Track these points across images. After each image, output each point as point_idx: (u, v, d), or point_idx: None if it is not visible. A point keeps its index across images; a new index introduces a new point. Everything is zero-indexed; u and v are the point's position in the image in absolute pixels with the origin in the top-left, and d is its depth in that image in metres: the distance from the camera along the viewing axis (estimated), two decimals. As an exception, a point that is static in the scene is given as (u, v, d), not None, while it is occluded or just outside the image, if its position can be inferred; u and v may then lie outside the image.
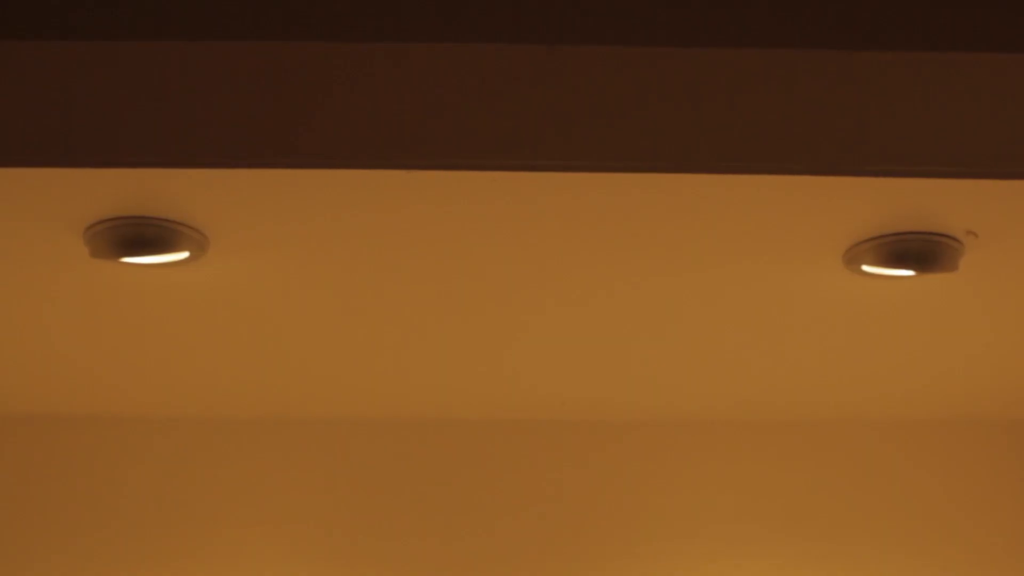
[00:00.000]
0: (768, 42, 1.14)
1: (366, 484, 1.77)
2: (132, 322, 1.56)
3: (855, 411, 1.80)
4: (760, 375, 1.70)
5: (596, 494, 1.78)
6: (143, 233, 1.34)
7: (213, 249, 1.38)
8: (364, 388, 1.74)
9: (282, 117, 1.17)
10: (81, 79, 1.14)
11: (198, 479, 1.76)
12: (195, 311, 1.53)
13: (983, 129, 1.18)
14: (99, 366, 1.67)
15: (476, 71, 1.14)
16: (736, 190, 1.28)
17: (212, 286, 1.47)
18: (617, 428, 1.81)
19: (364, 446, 1.79)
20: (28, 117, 1.16)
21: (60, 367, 1.68)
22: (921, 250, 1.36)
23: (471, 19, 1.13)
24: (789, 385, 1.73)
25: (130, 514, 1.75)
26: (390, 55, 1.15)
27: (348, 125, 1.17)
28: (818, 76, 1.16)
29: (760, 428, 1.82)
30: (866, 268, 1.40)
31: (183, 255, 1.37)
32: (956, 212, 1.32)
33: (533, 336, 1.61)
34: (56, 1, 1.12)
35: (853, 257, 1.39)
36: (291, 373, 1.69)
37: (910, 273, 1.40)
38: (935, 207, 1.31)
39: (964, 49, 1.17)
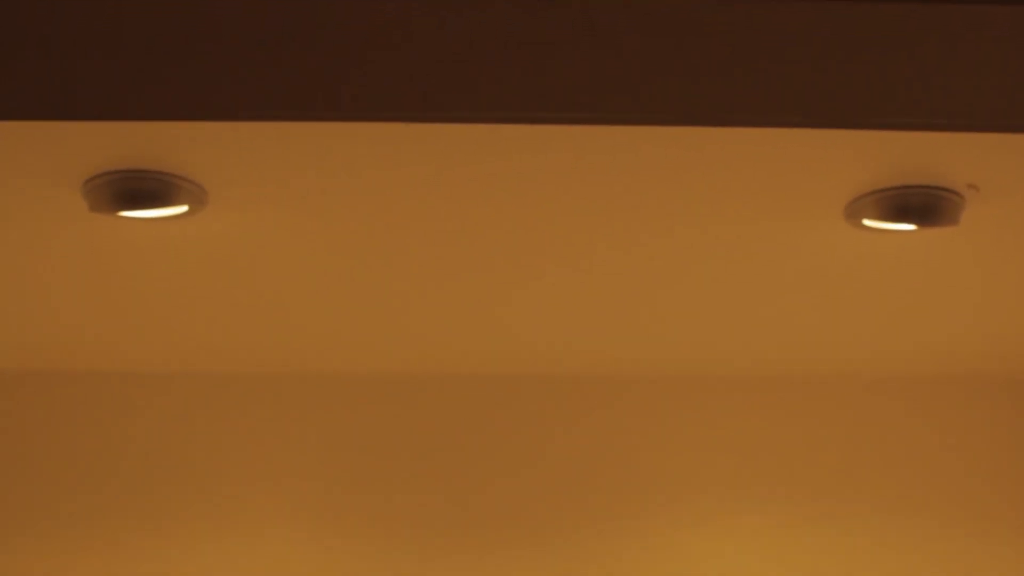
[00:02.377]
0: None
1: (365, 439, 1.77)
2: (131, 277, 1.56)
3: (855, 367, 1.80)
4: (760, 331, 1.70)
5: (594, 450, 1.78)
6: (142, 187, 1.33)
7: (212, 203, 1.38)
8: (363, 344, 1.74)
9: (283, 71, 1.16)
10: (81, 30, 1.14)
11: (196, 435, 1.77)
12: (193, 266, 1.53)
13: (985, 82, 1.18)
14: (97, 321, 1.67)
15: (478, 24, 1.14)
16: (736, 144, 1.27)
17: (211, 241, 1.46)
18: (615, 384, 1.81)
19: (363, 401, 1.79)
20: (26, 70, 1.16)
21: (58, 323, 1.67)
22: (922, 204, 1.36)
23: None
24: (789, 341, 1.73)
25: (129, 469, 1.75)
26: (391, 7, 1.15)
27: (349, 79, 1.17)
28: (819, 28, 1.16)
29: (759, 384, 1.82)
30: (867, 222, 1.39)
31: (182, 209, 1.37)
32: (957, 166, 1.31)
33: (533, 292, 1.60)
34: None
35: (854, 211, 1.38)
36: (289, 329, 1.69)
37: (911, 227, 1.40)
38: (936, 161, 1.31)
39: (967, 1, 1.16)
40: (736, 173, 1.34)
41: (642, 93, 1.16)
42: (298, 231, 1.46)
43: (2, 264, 1.53)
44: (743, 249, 1.50)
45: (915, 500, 1.78)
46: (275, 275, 1.56)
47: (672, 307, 1.64)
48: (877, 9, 1.15)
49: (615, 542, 1.75)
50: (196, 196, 1.35)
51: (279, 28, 1.16)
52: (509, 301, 1.63)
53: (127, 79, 1.17)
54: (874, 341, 1.74)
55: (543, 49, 1.16)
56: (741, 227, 1.45)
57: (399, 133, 1.25)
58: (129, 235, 1.45)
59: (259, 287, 1.59)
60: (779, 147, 1.28)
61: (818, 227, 1.43)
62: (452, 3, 1.16)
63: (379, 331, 1.70)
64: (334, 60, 1.16)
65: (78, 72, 1.16)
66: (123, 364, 1.77)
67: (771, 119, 1.18)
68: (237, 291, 1.60)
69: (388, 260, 1.53)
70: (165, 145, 1.29)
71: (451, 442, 1.77)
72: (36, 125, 1.23)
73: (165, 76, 1.17)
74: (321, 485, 1.75)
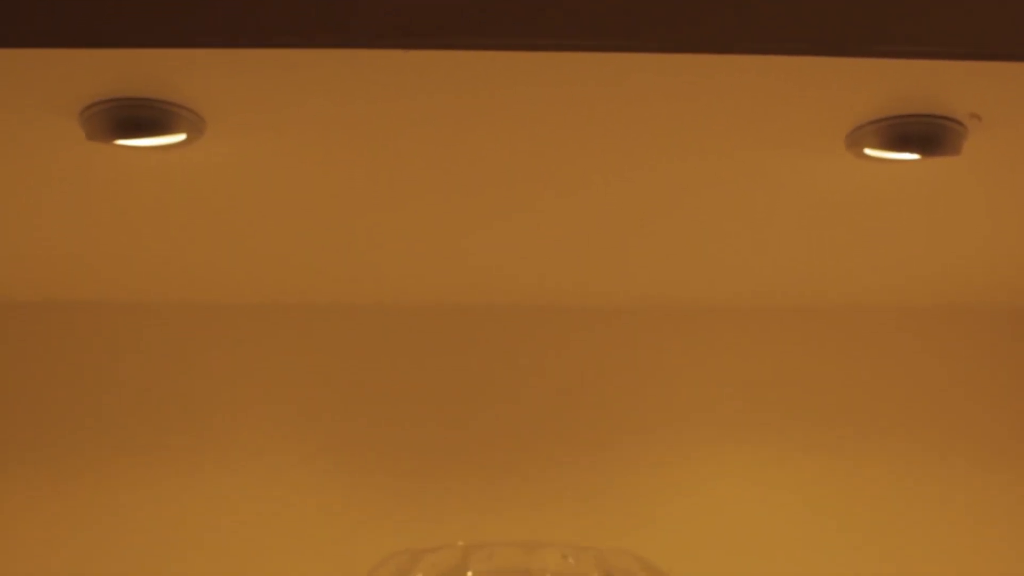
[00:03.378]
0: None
1: (358, 369, 1.78)
2: (127, 207, 1.55)
3: (855, 298, 1.80)
4: (760, 262, 1.70)
5: (588, 381, 1.79)
6: (139, 115, 1.32)
7: (210, 132, 1.37)
8: (358, 274, 1.74)
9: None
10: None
11: (191, 365, 1.77)
12: (190, 195, 1.53)
13: (988, 9, 1.17)
14: (94, 251, 1.67)
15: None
16: (735, 73, 1.27)
17: (208, 170, 1.46)
18: (610, 315, 1.81)
19: (357, 332, 1.79)
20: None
21: (54, 253, 1.67)
22: (924, 133, 1.35)
23: None
24: (788, 272, 1.73)
25: (123, 399, 1.75)
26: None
27: (348, 5, 1.16)
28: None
29: (761, 315, 1.82)
30: (868, 152, 1.39)
31: (179, 138, 1.36)
32: (960, 95, 1.31)
33: (529, 222, 1.60)
34: None
35: (855, 140, 1.37)
36: (285, 259, 1.69)
37: (913, 157, 1.39)
38: (938, 90, 1.30)
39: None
40: (735, 102, 1.33)
41: (640, 20, 1.15)
42: (296, 161, 1.46)
43: (-2, 193, 1.53)
44: (742, 179, 1.49)
45: (915, 430, 1.79)
46: (272, 205, 1.56)
47: (671, 238, 1.64)
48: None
49: (608, 473, 1.75)
50: (194, 124, 1.35)
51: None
52: (506, 232, 1.63)
53: (126, 5, 1.17)
54: (874, 272, 1.73)
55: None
56: (741, 157, 1.44)
57: (398, 59, 1.24)
58: (126, 164, 1.44)
59: (256, 217, 1.58)
60: (779, 76, 1.27)
61: (819, 157, 1.42)
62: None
63: (374, 261, 1.70)
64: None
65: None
66: (119, 294, 1.77)
67: (771, 47, 1.18)
68: (233, 221, 1.59)
69: (385, 190, 1.52)
70: (163, 73, 1.28)
71: (444, 371, 1.78)
72: (33, 53, 1.22)
73: (164, 2, 1.17)
74: (313, 413, 1.76)
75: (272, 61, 1.25)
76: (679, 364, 1.80)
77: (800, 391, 1.79)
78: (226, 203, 1.55)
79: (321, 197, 1.54)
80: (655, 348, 1.80)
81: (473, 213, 1.58)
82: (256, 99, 1.33)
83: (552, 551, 1.32)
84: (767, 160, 1.44)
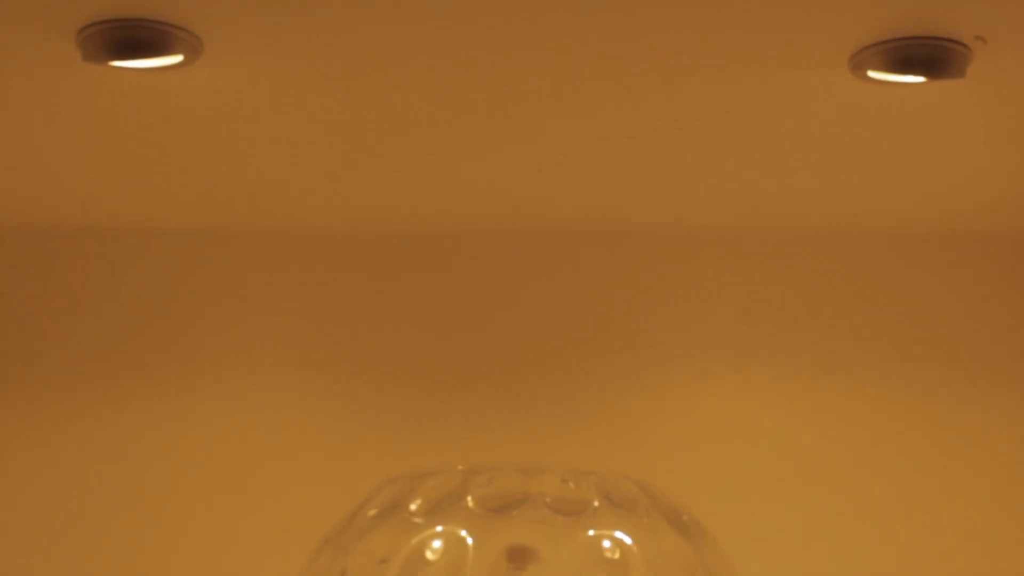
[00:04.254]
0: None
1: (356, 294, 1.77)
2: (124, 131, 1.54)
3: (859, 223, 1.80)
4: (763, 185, 1.69)
5: (595, 305, 1.78)
6: (136, 36, 1.31)
7: (207, 54, 1.36)
8: (356, 199, 1.73)
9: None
10: None
11: (189, 289, 1.77)
12: (187, 119, 1.52)
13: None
14: (90, 176, 1.66)
15: None
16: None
17: (205, 93, 1.45)
18: (613, 238, 1.80)
19: (355, 257, 1.79)
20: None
21: (50, 178, 1.67)
22: (928, 55, 1.34)
23: None
24: (792, 195, 1.72)
25: (123, 324, 1.75)
26: None
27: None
28: None
29: (762, 239, 1.81)
30: (872, 74, 1.38)
31: (176, 59, 1.35)
32: (964, 16, 1.29)
33: (527, 147, 1.59)
34: None
35: (859, 63, 1.36)
36: (283, 183, 1.68)
37: (917, 79, 1.38)
38: (943, 11, 1.28)
39: None
40: (740, 24, 1.31)
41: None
42: (295, 84, 1.45)
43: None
44: (745, 103, 1.48)
45: (918, 354, 1.79)
46: (270, 129, 1.55)
47: (671, 161, 1.63)
48: None
49: (608, 397, 1.75)
50: (191, 46, 1.34)
51: None
52: (500, 156, 1.62)
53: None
54: (879, 197, 1.73)
55: None
56: (744, 81, 1.43)
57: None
58: (123, 87, 1.43)
59: (254, 141, 1.58)
60: (783, -2, 1.26)
61: (823, 79, 1.41)
62: None
63: (376, 186, 1.70)
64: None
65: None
66: (115, 219, 1.77)
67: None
68: (231, 145, 1.59)
69: (387, 114, 1.51)
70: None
71: (442, 296, 1.77)
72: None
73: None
74: (310, 338, 1.76)
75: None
76: (678, 288, 1.80)
77: (799, 316, 1.79)
78: (224, 127, 1.54)
79: (321, 121, 1.53)
80: (654, 272, 1.80)
81: (470, 137, 1.57)
82: (254, 20, 1.31)
83: (552, 475, 1.32)
84: (770, 83, 1.43)
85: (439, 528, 1.28)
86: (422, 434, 1.72)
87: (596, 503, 1.30)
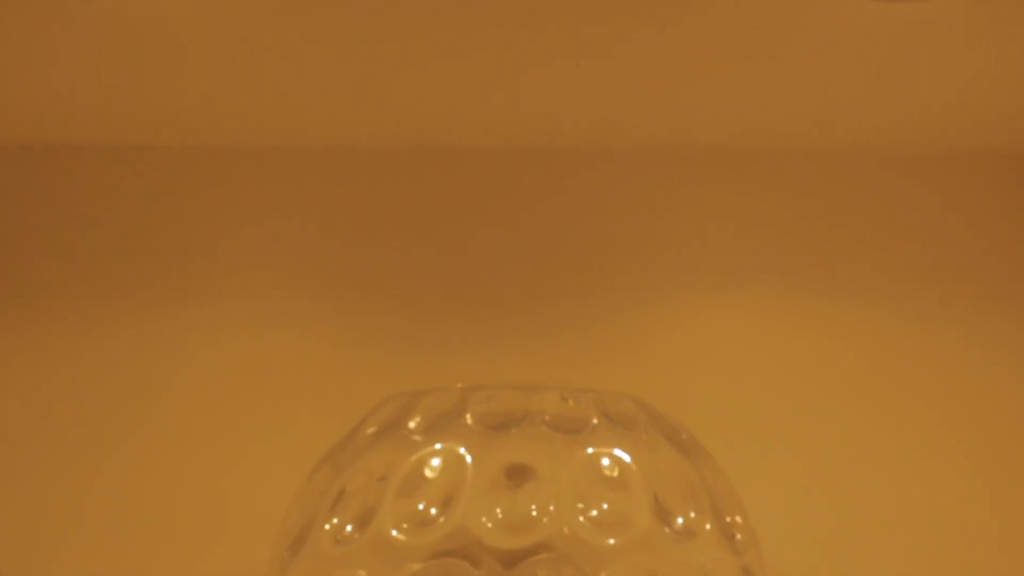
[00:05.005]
0: None
1: (357, 211, 1.76)
2: (118, 44, 1.53)
3: (860, 141, 1.79)
4: (762, 102, 1.68)
5: (595, 224, 1.78)
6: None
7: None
8: (360, 114, 1.72)
9: None
10: None
11: (188, 207, 1.76)
12: (183, 31, 1.50)
13: None
14: (85, 91, 1.65)
15: None
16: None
17: (201, 2, 1.43)
18: (615, 156, 1.79)
19: (355, 173, 1.78)
20: None
21: (48, 93, 1.65)
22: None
23: None
24: (792, 113, 1.71)
25: (122, 242, 1.74)
26: None
27: None
28: None
29: (763, 158, 1.80)
30: (874, -10, 1.36)
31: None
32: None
33: (534, 60, 1.58)
34: None
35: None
36: (283, 98, 1.67)
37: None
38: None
39: None
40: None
41: None
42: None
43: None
44: (745, 15, 1.47)
45: (919, 272, 1.78)
46: (269, 41, 1.53)
47: (673, 77, 1.62)
48: None
49: (609, 316, 1.75)
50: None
51: None
52: (509, 70, 1.61)
53: None
54: (880, 114, 1.72)
55: None
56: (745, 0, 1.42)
57: None
58: None
59: (260, 50, 1.56)
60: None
61: (825, -5, 1.40)
62: None
63: (377, 100, 1.68)
64: None
65: None
66: (114, 136, 1.76)
67: None
68: (228, 58, 1.57)
69: (395, 24, 1.50)
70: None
71: (444, 213, 1.76)
72: None
73: None
74: (310, 255, 1.75)
75: None
76: (678, 207, 1.79)
77: (800, 235, 1.79)
78: (220, 40, 1.53)
79: (320, 32, 1.51)
80: (654, 190, 1.79)
81: (467, 50, 1.56)
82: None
83: (551, 393, 1.32)
84: (773, 1, 1.43)
85: (438, 446, 1.28)
86: (421, 353, 1.71)
87: (595, 421, 1.30)
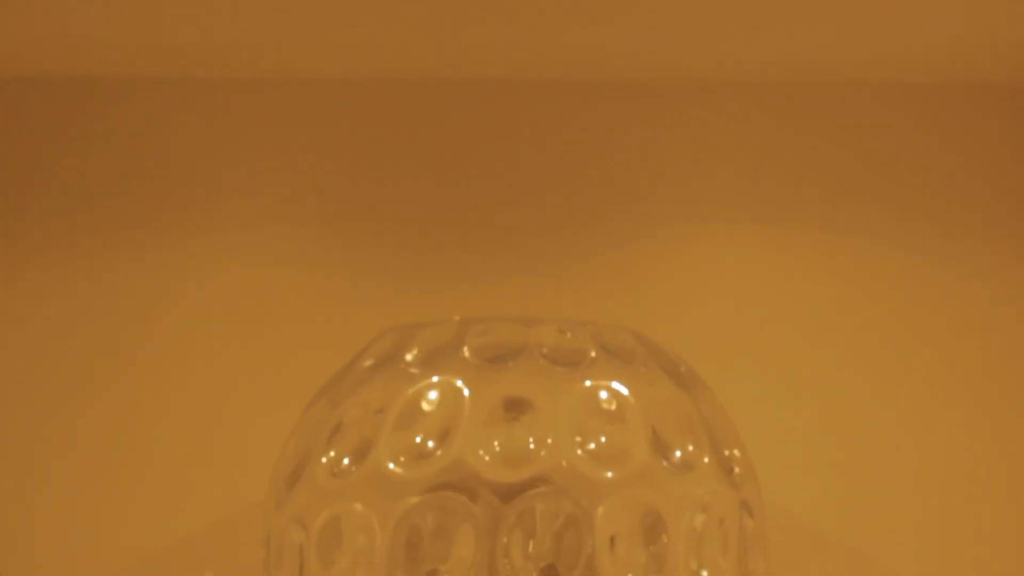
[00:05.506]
0: None
1: (354, 142, 1.75)
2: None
3: (861, 73, 1.78)
4: (762, 34, 1.67)
5: (593, 156, 1.77)
6: None
7: None
8: (360, 46, 1.70)
9: None
10: None
11: (183, 139, 1.75)
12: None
13: None
14: (83, 23, 1.63)
15: None
16: None
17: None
18: (613, 89, 1.78)
19: (353, 105, 1.77)
20: None
21: (41, 25, 1.64)
22: None
23: None
24: (793, 45, 1.70)
25: (117, 174, 1.73)
26: None
27: None
28: None
29: (763, 91, 1.79)
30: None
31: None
32: None
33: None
34: None
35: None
36: (284, 30, 1.66)
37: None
38: None
39: None
40: None
41: None
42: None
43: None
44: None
45: (917, 206, 1.77)
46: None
47: (675, 6, 1.61)
48: None
49: (606, 249, 1.74)
50: None
51: None
52: (524, 3, 1.59)
53: None
54: (878, 47, 1.70)
55: None
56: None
57: None
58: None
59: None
60: None
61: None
62: None
63: (378, 31, 1.67)
64: None
65: None
66: (112, 69, 1.74)
67: None
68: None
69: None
70: None
71: (441, 145, 1.75)
72: None
73: None
74: (307, 187, 1.74)
75: None
76: (677, 140, 1.78)
77: (799, 169, 1.78)
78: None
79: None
80: (653, 124, 1.78)
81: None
82: None
83: (549, 326, 1.32)
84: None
85: (435, 379, 1.28)
86: (418, 287, 1.71)
87: (593, 354, 1.30)
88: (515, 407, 1.26)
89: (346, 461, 1.26)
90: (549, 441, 1.22)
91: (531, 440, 1.23)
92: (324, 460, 1.27)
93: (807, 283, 1.76)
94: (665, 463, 1.25)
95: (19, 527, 1.64)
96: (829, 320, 1.75)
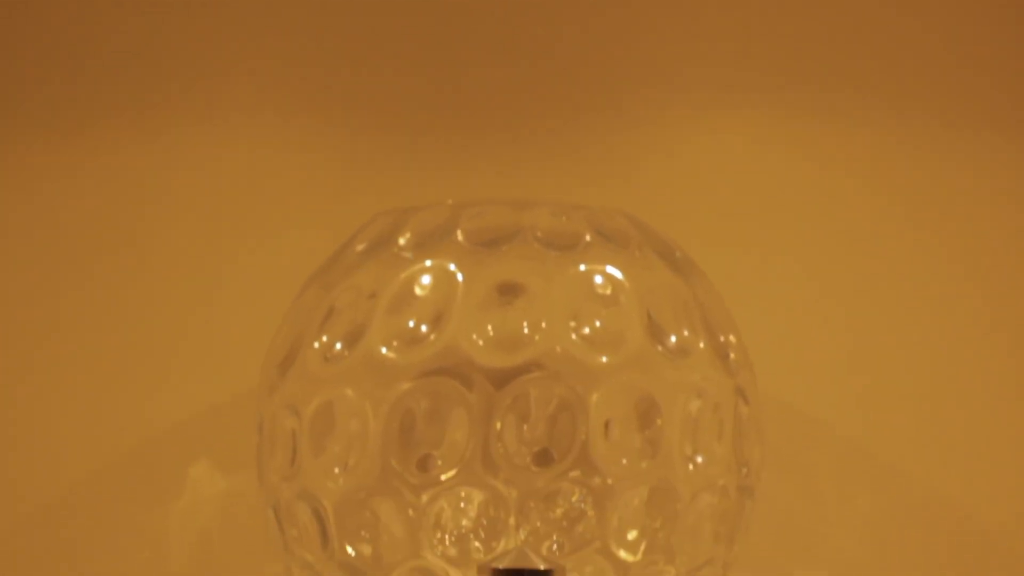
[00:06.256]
0: None
1: (346, 23, 1.73)
2: None
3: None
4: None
5: (588, 39, 1.74)
6: None
7: None
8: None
9: None
10: None
11: (175, 25, 1.72)
12: None
13: None
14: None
15: None
16: None
17: None
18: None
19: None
20: None
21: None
22: None
23: None
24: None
25: (105, 61, 1.71)
26: None
27: None
28: None
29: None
30: None
31: None
32: None
33: None
34: None
35: None
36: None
37: None
38: None
39: None
40: None
41: None
42: None
43: None
44: None
45: (918, 94, 1.75)
46: None
47: None
48: None
49: (600, 133, 1.72)
50: None
51: None
52: None
53: None
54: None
55: None
56: None
57: None
58: None
59: None
60: None
61: None
62: None
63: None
64: None
65: None
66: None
67: None
68: None
69: None
70: None
71: (434, 28, 1.73)
72: None
73: None
74: (299, 68, 1.71)
75: None
76: (677, 22, 1.75)
77: (800, 55, 1.75)
78: None
79: None
80: (653, 4, 1.75)
81: None
82: None
83: (543, 209, 1.30)
84: None
85: (428, 263, 1.27)
86: (411, 171, 1.69)
87: (588, 238, 1.29)
88: (509, 291, 1.25)
89: (338, 346, 1.25)
90: (543, 326, 1.22)
91: (525, 324, 1.22)
92: (316, 345, 1.26)
93: (807, 172, 1.74)
94: (660, 348, 1.24)
95: (2, 417, 1.64)
96: (827, 208, 1.73)
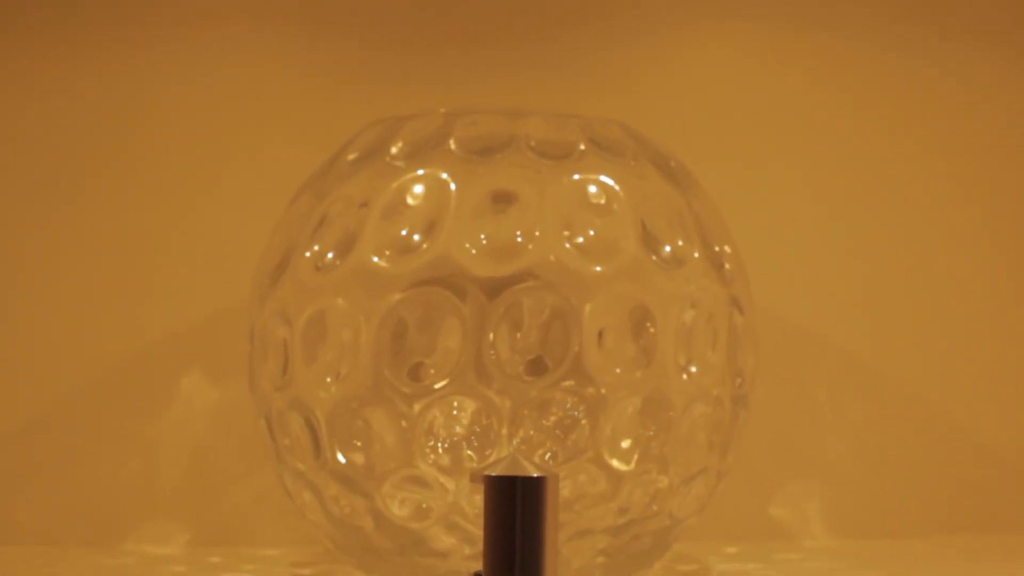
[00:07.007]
0: None
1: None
2: None
3: None
4: None
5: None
6: None
7: None
8: None
9: None
10: None
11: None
12: None
13: None
14: None
15: None
16: None
17: None
18: None
19: None
20: None
21: None
22: None
23: None
24: None
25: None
26: None
27: None
28: None
29: None
30: None
31: None
32: None
33: None
34: None
35: None
36: None
37: None
38: None
39: None
40: None
41: None
42: None
43: None
44: None
45: (916, 9, 1.74)
46: None
47: None
48: None
49: (595, 44, 1.71)
50: None
51: None
52: None
53: None
54: None
55: None
56: None
57: None
58: None
59: None
60: None
61: None
62: None
63: None
64: None
65: None
66: None
67: None
68: None
69: None
70: None
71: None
72: None
73: None
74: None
75: None
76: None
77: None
78: None
79: None
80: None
81: None
82: None
83: (536, 118, 1.29)
84: None
85: (420, 172, 1.25)
86: (404, 80, 1.68)
87: (582, 147, 1.27)
88: (502, 200, 1.24)
89: (330, 255, 1.24)
90: (537, 234, 1.21)
91: (518, 233, 1.21)
92: (308, 255, 1.25)
93: (800, 82, 1.73)
94: (654, 258, 1.24)
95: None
96: (822, 119, 1.72)
